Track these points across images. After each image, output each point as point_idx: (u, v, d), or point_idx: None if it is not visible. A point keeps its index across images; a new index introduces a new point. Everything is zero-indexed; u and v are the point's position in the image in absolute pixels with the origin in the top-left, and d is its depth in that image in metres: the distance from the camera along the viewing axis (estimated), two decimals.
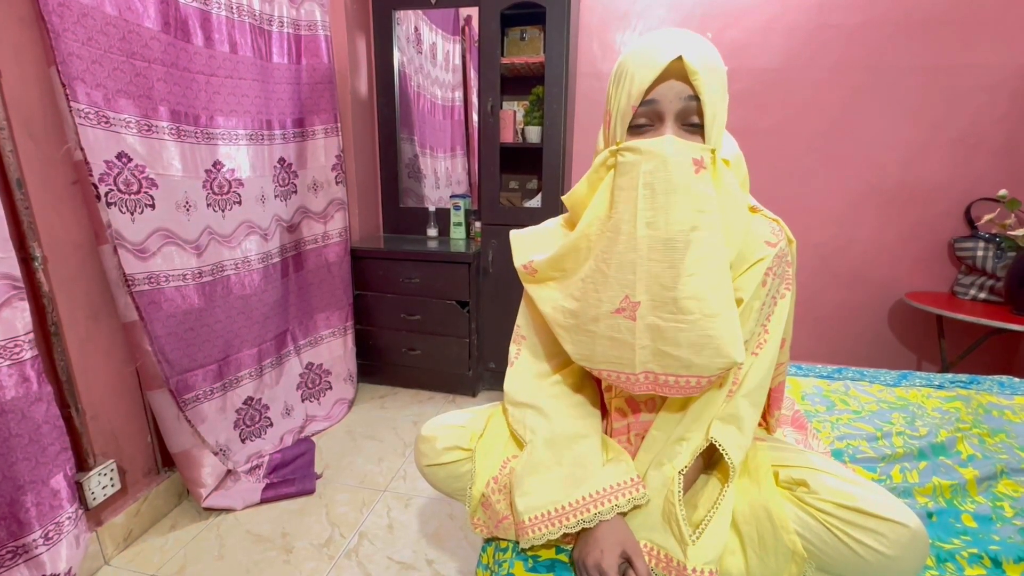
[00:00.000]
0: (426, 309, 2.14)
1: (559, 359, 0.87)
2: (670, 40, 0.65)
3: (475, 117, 2.32)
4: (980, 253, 1.93)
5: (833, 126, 2.07)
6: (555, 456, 0.77)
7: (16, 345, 0.99)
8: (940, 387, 1.36)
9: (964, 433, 1.11)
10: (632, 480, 0.74)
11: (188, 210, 1.41)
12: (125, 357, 1.34)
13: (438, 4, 2.20)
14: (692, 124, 0.67)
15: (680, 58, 0.63)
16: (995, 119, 1.94)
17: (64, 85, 1.09)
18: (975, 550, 0.81)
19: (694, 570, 0.67)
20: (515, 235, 0.88)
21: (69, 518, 1.10)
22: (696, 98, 0.65)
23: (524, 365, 0.88)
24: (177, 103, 1.37)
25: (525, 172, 2.36)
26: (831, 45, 2.00)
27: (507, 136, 2.09)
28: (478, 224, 2.20)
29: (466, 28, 2.31)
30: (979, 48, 1.89)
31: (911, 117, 2.00)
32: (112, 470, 1.30)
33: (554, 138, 1.96)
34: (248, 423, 1.67)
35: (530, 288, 0.83)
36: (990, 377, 1.39)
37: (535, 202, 2.13)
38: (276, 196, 1.74)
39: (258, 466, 1.64)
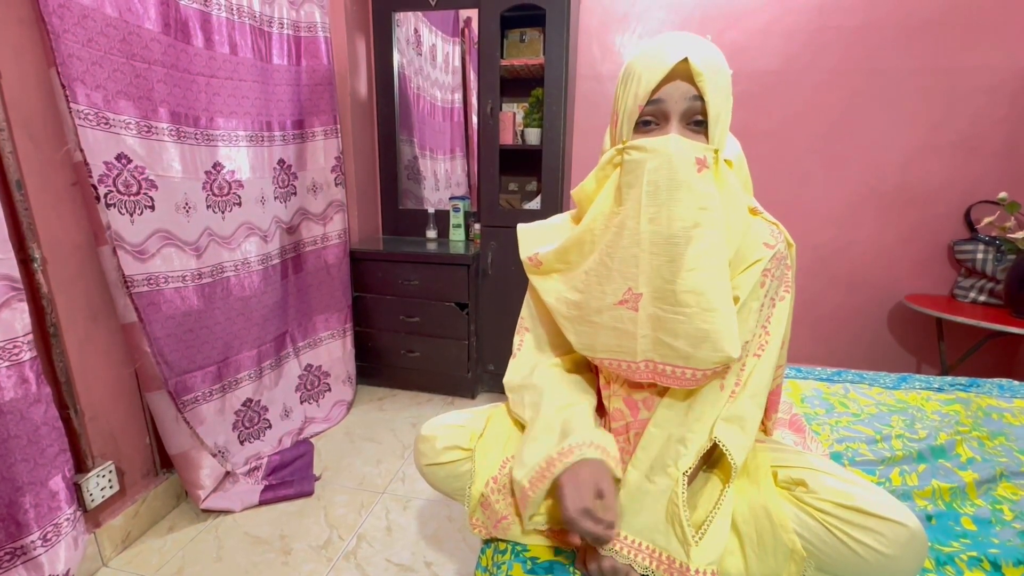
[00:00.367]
0: (425, 311, 2.14)
1: (562, 349, 0.89)
2: (676, 42, 0.67)
3: (475, 119, 2.32)
4: (980, 256, 1.93)
5: (833, 128, 2.07)
6: (548, 424, 0.79)
7: (15, 346, 0.99)
8: (940, 390, 1.36)
9: (964, 436, 1.11)
10: (615, 455, 0.76)
11: (188, 211, 1.41)
12: (124, 358, 1.34)
13: (438, 6, 2.21)
14: (696, 123, 0.69)
15: (686, 59, 0.65)
16: (995, 121, 1.94)
17: (64, 86, 1.10)
18: (974, 553, 0.80)
19: (697, 571, 0.67)
20: (522, 228, 0.90)
21: (68, 519, 1.10)
22: (701, 98, 0.67)
23: (526, 355, 0.89)
24: (177, 104, 1.37)
25: (524, 174, 2.37)
26: (831, 47, 2.01)
27: (506, 138, 2.09)
28: (477, 226, 2.20)
29: (466, 30, 2.31)
30: (979, 50, 1.90)
31: (911, 119, 2.00)
32: (111, 471, 1.30)
33: (553, 140, 1.96)
34: (247, 425, 1.67)
35: (535, 279, 0.85)
36: (990, 380, 1.39)
37: (534, 204, 2.13)
38: (276, 198, 1.74)
39: (257, 468, 1.63)
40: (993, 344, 1.96)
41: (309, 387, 1.99)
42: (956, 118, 1.96)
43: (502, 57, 2.03)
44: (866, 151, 2.06)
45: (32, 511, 1.04)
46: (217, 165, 1.51)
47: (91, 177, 1.16)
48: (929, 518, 0.89)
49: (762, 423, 0.92)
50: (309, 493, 1.57)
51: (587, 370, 0.90)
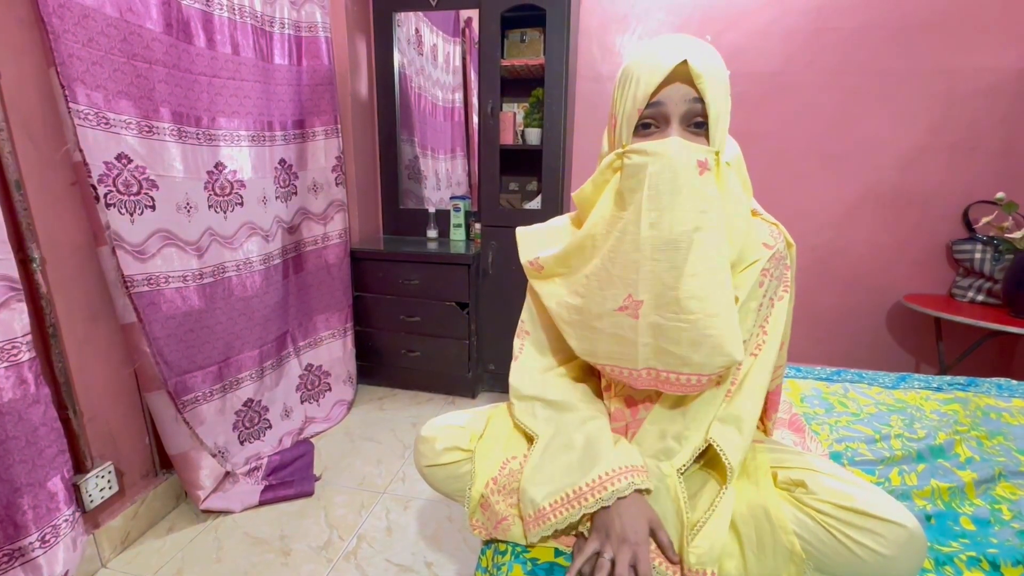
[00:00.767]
0: (426, 310, 2.14)
1: (563, 354, 0.89)
2: (675, 44, 0.67)
3: (475, 119, 2.32)
4: (978, 255, 1.93)
5: (831, 129, 2.08)
6: (567, 442, 0.78)
7: (14, 347, 0.99)
8: (938, 389, 1.36)
9: (962, 436, 1.11)
10: (643, 466, 0.75)
11: (189, 211, 1.41)
12: (123, 359, 1.34)
13: (438, 6, 2.21)
14: (696, 125, 0.69)
15: (685, 61, 0.65)
16: (993, 122, 1.94)
17: (63, 86, 1.09)
18: (973, 553, 0.81)
19: (690, 569, 0.67)
20: (521, 231, 0.90)
21: (66, 521, 1.10)
22: (700, 100, 0.67)
23: (528, 359, 0.89)
24: (179, 104, 1.37)
25: (525, 174, 2.37)
26: (829, 48, 2.01)
27: (507, 138, 2.10)
28: (478, 226, 2.20)
29: (466, 30, 2.31)
30: (977, 51, 1.90)
31: (909, 120, 2.00)
32: (110, 472, 1.29)
33: (554, 140, 1.97)
34: (247, 425, 1.66)
35: (535, 283, 0.85)
36: (988, 379, 1.39)
37: (535, 204, 2.13)
38: (277, 197, 1.74)
39: (256, 468, 1.63)
40: (991, 343, 1.96)
41: (309, 387, 1.99)
42: (954, 119, 1.97)
43: (502, 57, 2.03)
44: (864, 151, 2.06)
45: (31, 512, 1.03)
46: (219, 165, 1.51)
47: (90, 177, 1.16)
48: (928, 518, 0.89)
49: (762, 423, 0.92)
50: (309, 493, 1.57)
51: (591, 375, 0.90)
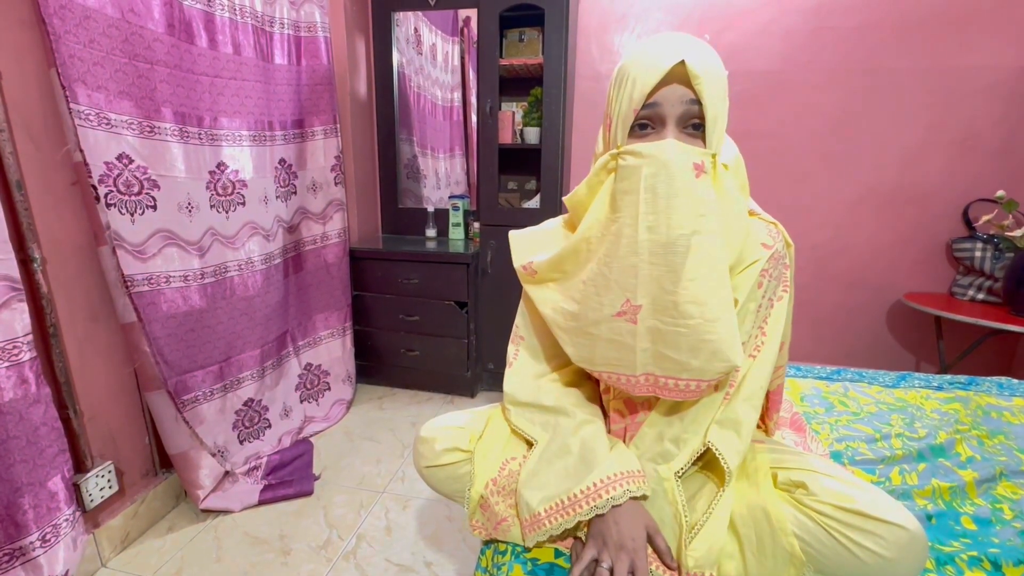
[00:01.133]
0: (425, 310, 2.14)
1: (558, 360, 0.88)
2: (672, 44, 0.66)
3: (474, 118, 2.31)
4: (978, 254, 1.93)
5: (831, 128, 2.07)
6: (563, 446, 0.78)
7: (15, 347, 0.99)
8: (939, 388, 1.36)
9: (963, 435, 1.11)
10: (639, 471, 0.75)
11: (190, 211, 1.41)
12: (124, 358, 1.34)
13: (437, 5, 2.20)
14: (693, 127, 0.68)
15: (683, 62, 0.64)
16: (993, 120, 1.94)
17: (64, 87, 1.09)
18: (974, 553, 0.80)
19: (688, 573, 0.67)
20: (514, 235, 0.88)
21: (67, 520, 1.10)
22: (697, 102, 0.66)
23: (523, 365, 0.88)
24: (181, 104, 1.37)
25: (524, 173, 2.37)
26: (829, 48, 2.01)
27: (506, 137, 2.09)
28: (477, 225, 2.20)
29: (465, 29, 2.31)
30: (977, 50, 1.90)
31: (909, 119, 2.00)
32: (110, 472, 1.30)
33: (552, 139, 1.96)
34: (247, 424, 1.66)
35: (529, 289, 0.84)
36: (989, 378, 1.39)
37: (534, 203, 2.13)
38: (277, 197, 1.74)
39: (256, 467, 1.63)
40: (992, 342, 1.96)
41: (309, 386, 1.99)
42: (954, 117, 1.97)
43: (501, 56, 2.03)
44: (864, 150, 2.06)
45: (31, 512, 1.04)
46: (221, 165, 1.51)
47: (91, 177, 1.16)
48: (929, 517, 0.89)
49: (764, 423, 0.92)
50: (308, 493, 1.57)
51: (587, 379, 0.89)
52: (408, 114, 2.40)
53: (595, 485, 0.72)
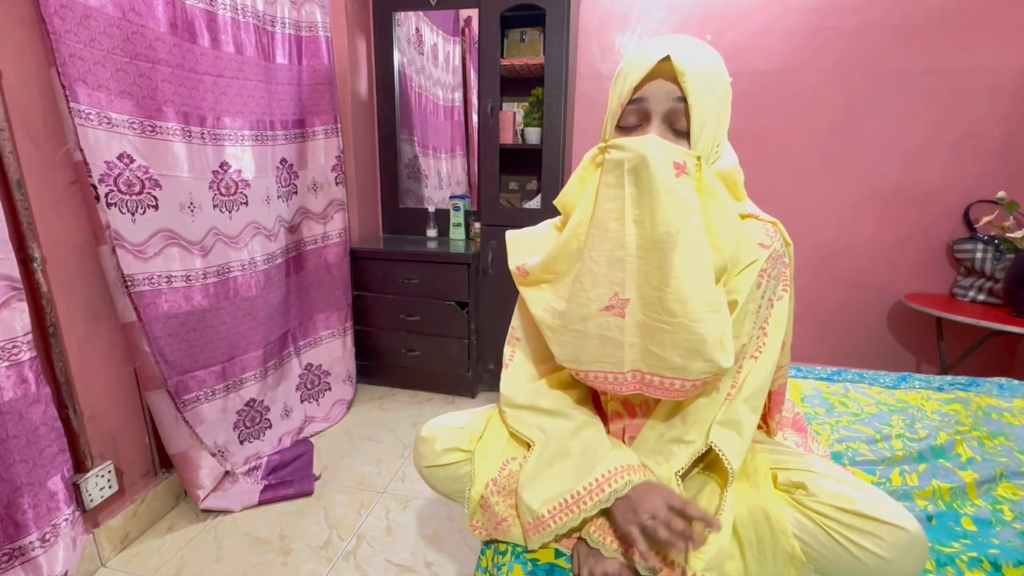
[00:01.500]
0: (425, 310, 2.14)
1: (550, 364, 0.87)
2: (665, 42, 0.67)
3: (475, 118, 2.31)
4: (979, 255, 1.93)
5: (832, 128, 2.07)
6: (562, 448, 0.78)
7: (14, 346, 0.99)
8: (939, 389, 1.36)
9: (963, 436, 1.11)
10: (640, 464, 0.75)
11: (193, 211, 1.41)
12: (124, 358, 1.34)
13: (438, 5, 2.20)
14: (680, 131, 0.68)
15: (668, 58, 0.64)
16: (994, 121, 1.94)
17: (64, 87, 1.09)
18: (975, 554, 0.80)
19: (694, 575, 0.67)
20: (511, 236, 0.88)
21: (66, 520, 1.10)
22: (684, 100, 0.66)
23: (519, 367, 0.88)
24: (183, 104, 1.37)
25: (525, 173, 2.37)
26: (829, 48, 2.00)
27: (507, 137, 2.09)
28: (477, 225, 2.20)
29: (466, 29, 2.31)
30: (977, 50, 1.90)
31: (910, 119, 2.00)
32: (110, 471, 1.30)
33: (553, 139, 1.96)
34: (248, 424, 1.66)
35: (523, 290, 0.84)
36: (989, 379, 1.39)
37: (534, 203, 2.13)
38: (279, 196, 1.74)
39: (256, 467, 1.63)
40: (992, 343, 1.96)
41: (309, 386, 1.99)
42: (955, 118, 1.96)
43: (502, 57, 2.03)
44: (865, 151, 2.06)
45: (31, 512, 1.04)
46: (224, 164, 1.51)
47: (91, 176, 1.16)
48: (929, 518, 0.89)
49: (766, 423, 0.92)
50: (309, 493, 1.57)
51: (583, 384, 0.88)
52: (409, 114, 2.40)
53: (597, 481, 0.72)
